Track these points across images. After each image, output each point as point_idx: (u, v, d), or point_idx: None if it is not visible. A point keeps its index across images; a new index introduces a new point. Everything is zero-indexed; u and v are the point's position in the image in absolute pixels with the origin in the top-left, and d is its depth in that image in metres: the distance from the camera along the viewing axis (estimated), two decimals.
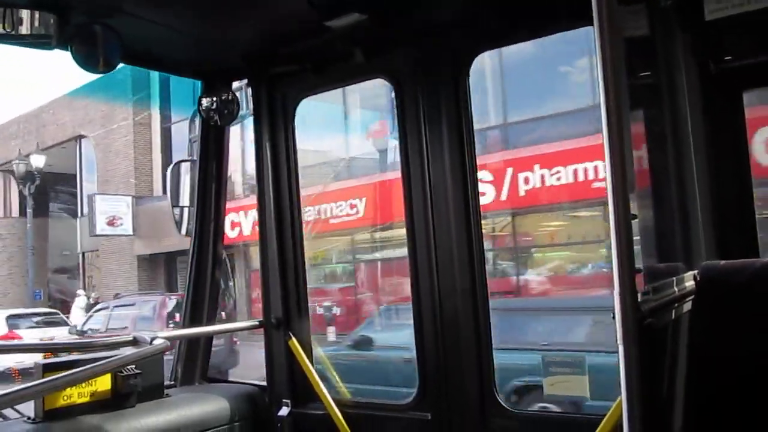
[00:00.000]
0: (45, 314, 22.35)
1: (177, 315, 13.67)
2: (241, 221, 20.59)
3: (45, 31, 2.64)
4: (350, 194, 18.22)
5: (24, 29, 2.61)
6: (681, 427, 2.00)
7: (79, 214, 31.34)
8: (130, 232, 26.97)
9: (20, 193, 33.79)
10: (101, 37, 2.74)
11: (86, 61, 2.77)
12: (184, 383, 3.44)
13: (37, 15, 2.59)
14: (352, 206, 18.20)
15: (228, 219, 18.60)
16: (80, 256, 31.34)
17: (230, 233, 19.88)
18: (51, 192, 30.50)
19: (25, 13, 2.57)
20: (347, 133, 19.51)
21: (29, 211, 28.59)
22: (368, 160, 18.69)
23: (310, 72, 3.22)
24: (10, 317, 20.56)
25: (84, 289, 28.03)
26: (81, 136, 30.83)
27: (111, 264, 28.73)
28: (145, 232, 26.13)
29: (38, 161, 27.76)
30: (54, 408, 2.58)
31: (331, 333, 15.51)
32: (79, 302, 25.47)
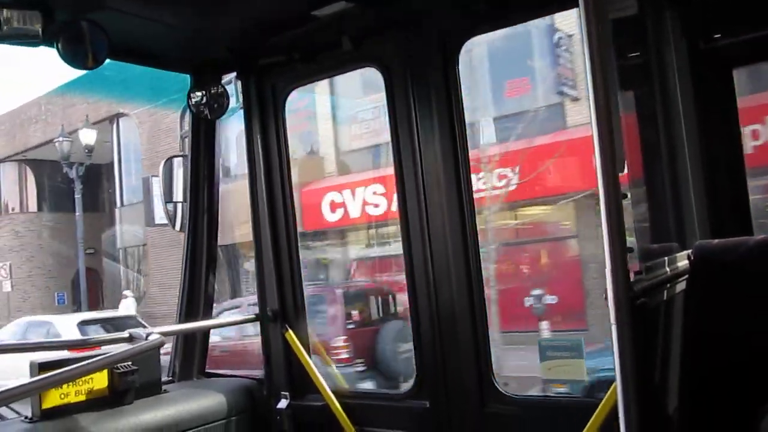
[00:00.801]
0: (120, 318, 18.97)
1: (355, 312, 11.51)
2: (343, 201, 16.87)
3: (30, 28, 2.61)
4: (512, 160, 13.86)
5: (8, 27, 2.59)
6: (676, 406, 2.00)
7: (119, 204, 28.05)
8: None
9: (38, 185, 30.60)
10: (87, 33, 2.72)
11: (73, 58, 2.75)
12: (182, 378, 3.43)
13: (21, 12, 2.57)
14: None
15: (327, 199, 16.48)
16: (121, 252, 27.91)
17: (330, 216, 16.78)
18: (71, 184, 25.81)
19: (8, 12, 2.55)
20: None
21: (77, 197, 24.52)
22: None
23: (298, 62, 3.20)
24: (81, 323, 17.48)
25: (130, 289, 24.50)
26: (119, 115, 26.88)
27: (162, 259, 24.58)
28: None
29: (88, 137, 23.35)
30: (51, 407, 2.58)
31: (545, 330, 11.99)
32: (127, 305, 22.32)
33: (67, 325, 17.37)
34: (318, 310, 10.73)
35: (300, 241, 3.44)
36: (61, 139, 23.99)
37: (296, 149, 13.59)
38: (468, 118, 2.96)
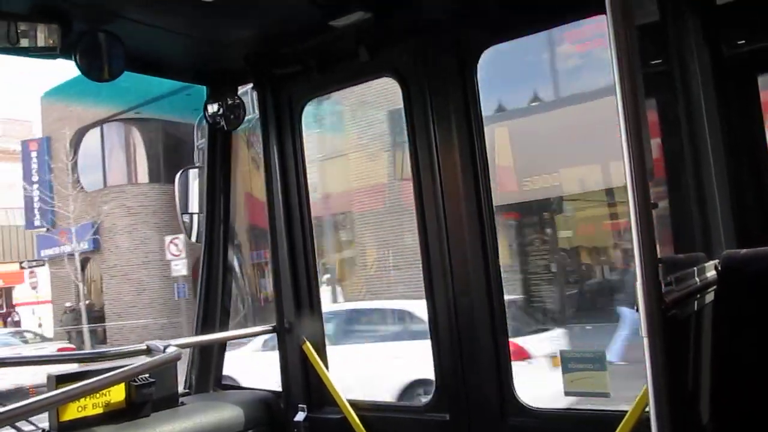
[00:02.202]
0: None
1: None
2: None
3: (48, 41, 2.62)
4: None
5: (27, 41, 2.59)
6: (708, 420, 1.95)
7: None
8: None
9: (150, 150, 25.03)
10: (104, 44, 2.73)
11: (90, 70, 2.76)
12: (199, 391, 3.41)
13: (39, 26, 2.58)
14: None
15: None
16: None
17: None
18: (179, 148, 21.39)
19: (27, 25, 2.56)
20: None
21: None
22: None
23: (314, 72, 3.19)
24: None
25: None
26: None
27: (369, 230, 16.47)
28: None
29: None
30: (69, 420, 2.57)
31: None
32: None
33: None
34: None
35: None
36: None
37: None
38: None
